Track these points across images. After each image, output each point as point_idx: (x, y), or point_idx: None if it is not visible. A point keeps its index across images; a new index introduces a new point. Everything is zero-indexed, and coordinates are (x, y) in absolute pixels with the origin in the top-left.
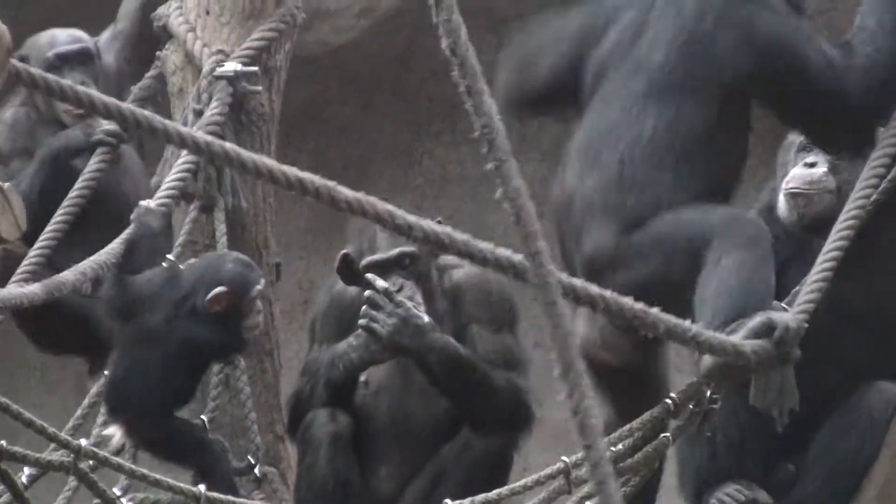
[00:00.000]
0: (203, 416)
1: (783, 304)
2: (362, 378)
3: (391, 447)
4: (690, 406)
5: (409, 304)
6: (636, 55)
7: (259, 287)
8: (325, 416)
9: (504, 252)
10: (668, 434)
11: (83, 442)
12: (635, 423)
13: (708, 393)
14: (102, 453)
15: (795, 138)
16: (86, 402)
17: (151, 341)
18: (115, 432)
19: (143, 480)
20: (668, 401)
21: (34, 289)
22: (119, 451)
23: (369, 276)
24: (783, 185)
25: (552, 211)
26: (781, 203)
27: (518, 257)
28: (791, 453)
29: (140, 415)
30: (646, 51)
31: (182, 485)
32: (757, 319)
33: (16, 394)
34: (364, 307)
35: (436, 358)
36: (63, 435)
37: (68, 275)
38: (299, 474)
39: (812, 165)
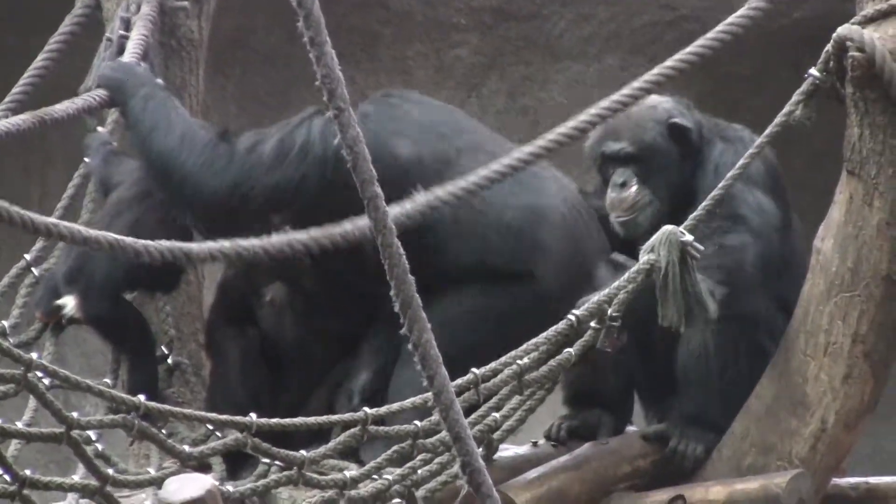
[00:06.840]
0: None
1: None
2: (267, 297)
3: (295, 359)
4: (592, 323)
5: None
6: None
7: None
8: (236, 330)
9: None
10: (570, 350)
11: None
12: (540, 339)
13: (609, 311)
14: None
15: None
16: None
17: (116, 215)
18: (67, 302)
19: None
20: (572, 317)
21: (22, 117)
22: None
23: None
24: (610, 214)
25: None
26: (615, 225)
27: None
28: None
29: (92, 288)
30: None
31: (122, 395)
32: None
33: None
34: None
35: None
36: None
37: (58, 106)
38: (212, 384)
39: (623, 185)
